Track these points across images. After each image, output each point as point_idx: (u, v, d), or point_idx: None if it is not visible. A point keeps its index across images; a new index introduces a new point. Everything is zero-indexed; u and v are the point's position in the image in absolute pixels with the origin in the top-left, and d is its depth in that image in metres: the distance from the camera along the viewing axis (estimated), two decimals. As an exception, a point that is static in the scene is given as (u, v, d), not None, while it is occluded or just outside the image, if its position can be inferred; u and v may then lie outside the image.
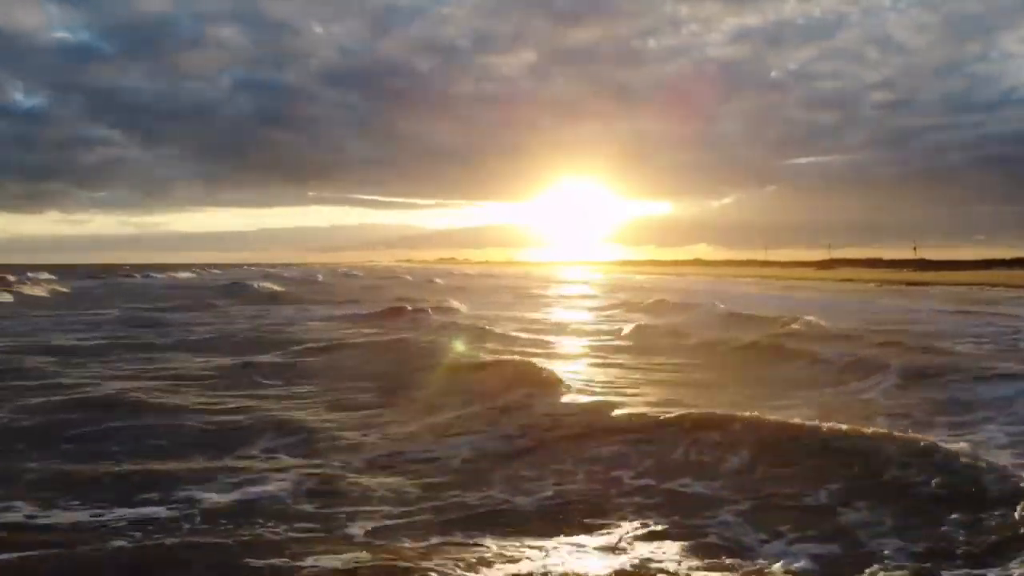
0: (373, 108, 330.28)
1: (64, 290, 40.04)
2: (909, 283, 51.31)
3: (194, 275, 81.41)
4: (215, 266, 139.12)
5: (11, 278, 54.04)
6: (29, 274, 57.95)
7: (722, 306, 23.62)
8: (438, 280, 59.33)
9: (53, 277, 59.18)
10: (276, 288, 42.51)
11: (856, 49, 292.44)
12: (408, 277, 68.31)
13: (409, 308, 23.08)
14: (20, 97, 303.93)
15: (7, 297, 30.39)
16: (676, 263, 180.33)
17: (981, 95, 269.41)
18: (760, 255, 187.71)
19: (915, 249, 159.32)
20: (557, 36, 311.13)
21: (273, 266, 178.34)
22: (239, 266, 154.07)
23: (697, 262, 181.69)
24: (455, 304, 25.54)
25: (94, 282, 58.62)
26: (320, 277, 70.89)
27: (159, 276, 72.97)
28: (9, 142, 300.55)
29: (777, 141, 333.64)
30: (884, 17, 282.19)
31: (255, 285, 44.29)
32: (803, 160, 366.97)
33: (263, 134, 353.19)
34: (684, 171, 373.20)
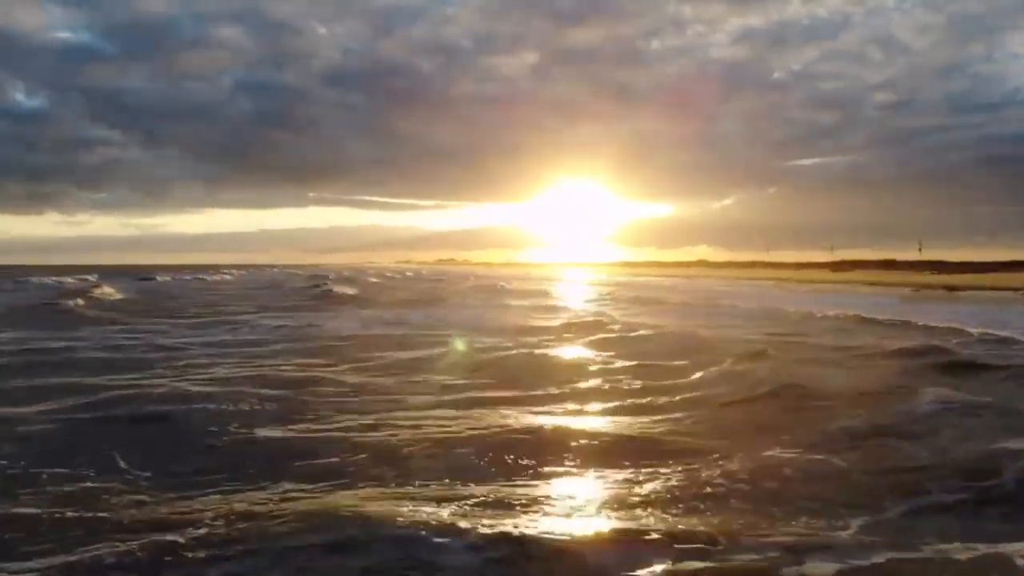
0: (374, 109, 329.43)
1: (134, 296, 38.39)
2: (946, 287, 48.82)
3: (230, 277, 79.73)
4: (223, 267, 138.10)
5: (70, 280, 53.34)
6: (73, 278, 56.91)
7: (832, 313, 23.37)
8: (503, 283, 57.72)
9: (92, 279, 58.31)
10: (359, 292, 41.19)
11: (859, 50, 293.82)
12: (444, 279, 67.74)
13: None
14: (21, 98, 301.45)
15: (95, 312, 28.73)
16: (679, 264, 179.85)
17: (984, 96, 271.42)
18: (762, 256, 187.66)
19: (920, 250, 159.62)
20: (559, 36, 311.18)
21: (273, 267, 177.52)
22: (246, 267, 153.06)
23: (701, 263, 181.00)
24: (618, 314, 24.14)
25: (147, 284, 57.10)
26: (372, 278, 69.42)
27: (187, 277, 71.80)
28: (10, 143, 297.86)
29: (778, 142, 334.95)
30: (888, 18, 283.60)
31: (333, 289, 43.19)
32: (804, 161, 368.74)
33: (264, 135, 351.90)
34: (685, 172, 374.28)
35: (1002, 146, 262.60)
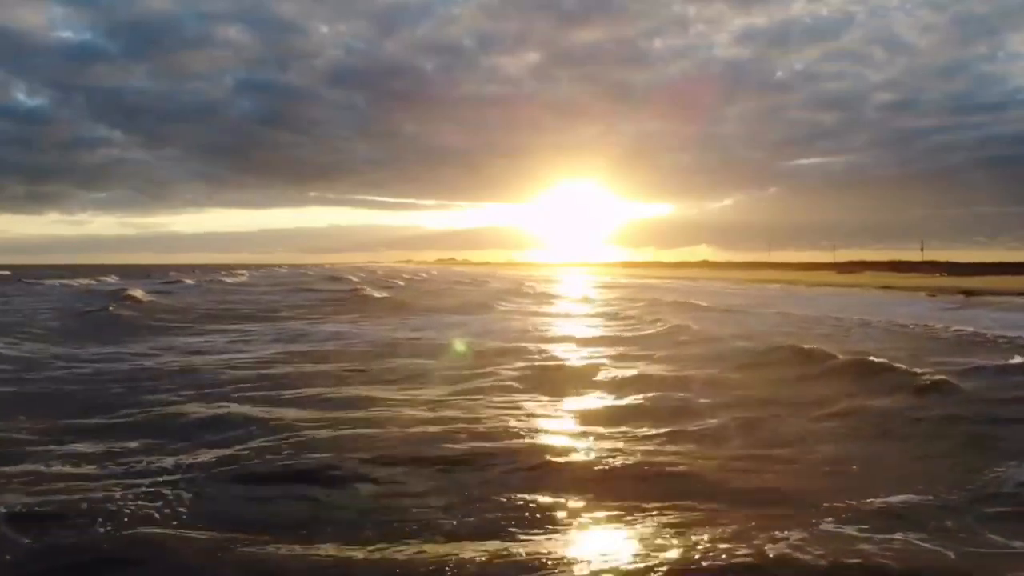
0: (376, 109, 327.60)
1: (175, 300, 37.40)
2: (964, 292, 45.23)
3: (246, 277, 78.78)
4: (233, 267, 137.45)
5: (90, 281, 52.27)
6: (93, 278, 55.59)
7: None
8: (530, 286, 56.45)
9: (112, 280, 57.47)
10: (393, 295, 40.43)
11: (862, 50, 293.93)
12: (467, 281, 67.12)
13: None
14: (22, 97, 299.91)
15: (149, 319, 27.73)
16: (683, 265, 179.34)
17: (986, 96, 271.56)
18: (761, 256, 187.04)
19: (922, 250, 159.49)
20: (562, 36, 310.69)
21: (280, 266, 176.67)
22: (255, 267, 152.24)
23: (705, 264, 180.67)
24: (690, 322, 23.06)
25: (176, 286, 56.03)
26: (399, 281, 68.24)
27: (206, 279, 70.79)
28: (11, 143, 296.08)
29: (780, 142, 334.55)
30: (892, 18, 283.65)
31: (372, 293, 42.39)
32: (805, 161, 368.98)
33: (265, 135, 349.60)
34: (685, 172, 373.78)
35: (1004, 146, 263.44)
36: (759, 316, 26.96)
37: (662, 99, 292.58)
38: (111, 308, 27.34)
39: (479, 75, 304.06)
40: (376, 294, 40.37)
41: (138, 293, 36.36)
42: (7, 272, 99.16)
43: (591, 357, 15.62)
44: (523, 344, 17.60)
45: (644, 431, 8.95)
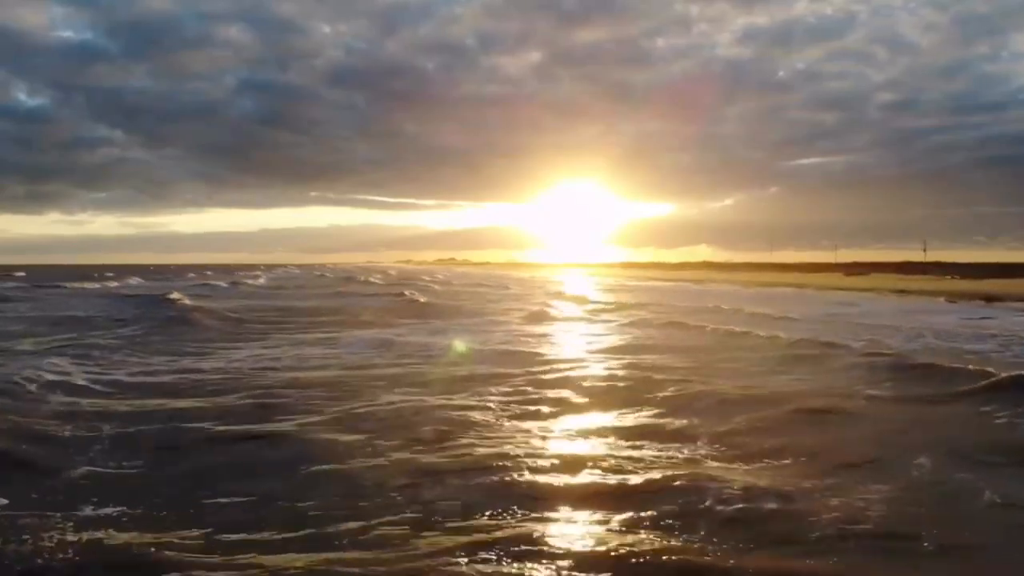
0: (377, 109, 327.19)
1: (228, 304, 37.41)
2: (985, 297, 43.35)
3: (264, 280, 78.41)
4: (235, 267, 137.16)
5: (112, 284, 52.28)
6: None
7: None
8: (559, 288, 55.88)
9: (136, 281, 57.50)
10: (432, 300, 40.33)
11: (864, 49, 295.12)
12: (487, 283, 67.04)
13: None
14: (23, 97, 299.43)
15: (220, 324, 27.65)
16: (685, 265, 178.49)
17: (988, 96, 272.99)
18: (762, 256, 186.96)
19: (925, 251, 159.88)
20: (563, 36, 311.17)
21: (284, 266, 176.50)
22: (269, 267, 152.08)
23: (707, 265, 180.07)
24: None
25: (211, 288, 56.14)
26: (431, 283, 67.86)
27: (224, 284, 70.70)
28: (11, 143, 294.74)
29: (781, 142, 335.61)
30: (895, 17, 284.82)
31: (406, 293, 42.63)
32: (806, 161, 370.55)
33: (266, 135, 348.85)
34: (686, 172, 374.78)
35: (1005, 146, 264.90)
36: (821, 324, 26.89)
37: (663, 99, 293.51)
38: (194, 315, 27.42)
39: (480, 75, 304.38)
40: (422, 299, 40.69)
41: (177, 295, 36.60)
42: (22, 273, 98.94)
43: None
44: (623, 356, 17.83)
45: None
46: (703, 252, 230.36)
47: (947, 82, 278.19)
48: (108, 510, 6.76)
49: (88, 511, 6.72)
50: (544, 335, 23.18)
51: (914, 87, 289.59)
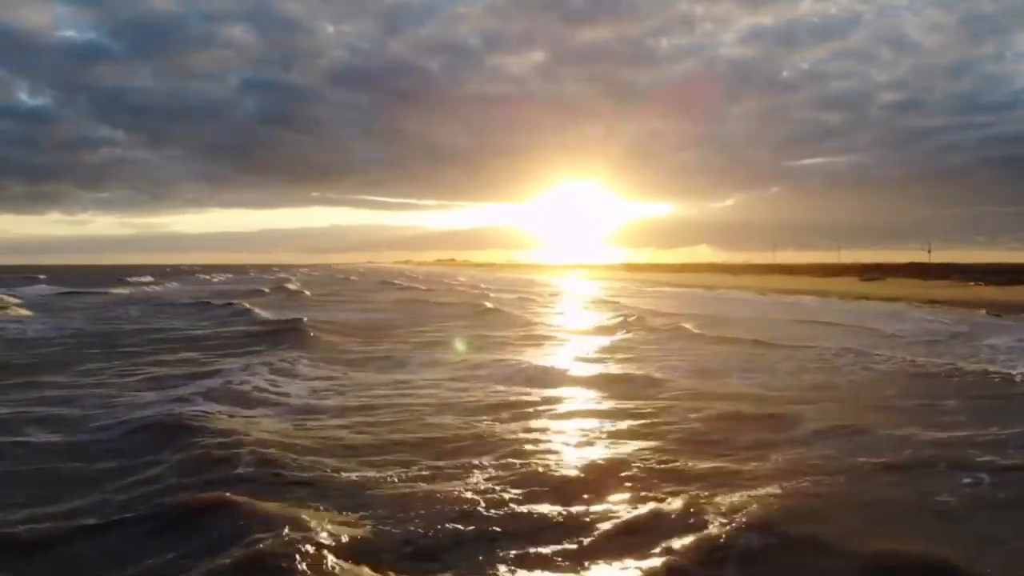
0: (380, 109, 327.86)
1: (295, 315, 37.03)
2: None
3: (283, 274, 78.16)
4: (232, 268, 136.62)
5: (145, 288, 52.07)
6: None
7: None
8: (596, 294, 55.74)
9: (173, 285, 57.22)
10: (507, 309, 40.32)
11: (869, 49, 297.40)
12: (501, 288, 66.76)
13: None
14: (25, 97, 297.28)
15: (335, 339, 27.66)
16: (687, 267, 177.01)
17: (992, 96, 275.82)
18: (764, 257, 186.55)
19: (929, 252, 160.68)
20: (568, 36, 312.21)
21: (289, 266, 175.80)
22: (283, 267, 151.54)
23: (710, 266, 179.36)
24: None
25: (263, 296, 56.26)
26: (486, 290, 67.33)
27: (261, 287, 70.57)
28: (13, 143, 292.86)
29: (783, 142, 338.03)
30: (900, 17, 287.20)
31: (487, 305, 42.67)
32: (808, 161, 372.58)
33: (268, 134, 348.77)
34: (688, 172, 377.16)
35: (1008, 146, 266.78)
36: (943, 346, 26.57)
37: (667, 98, 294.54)
38: (306, 330, 27.42)
39: (484, 75, 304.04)
40: (515, 312, 40.20)
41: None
42: (43, 276, 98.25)
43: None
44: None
45: None
46: (703, 252, 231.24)
47: (952, 82, 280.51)
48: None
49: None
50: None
51: (918, 87, 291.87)
